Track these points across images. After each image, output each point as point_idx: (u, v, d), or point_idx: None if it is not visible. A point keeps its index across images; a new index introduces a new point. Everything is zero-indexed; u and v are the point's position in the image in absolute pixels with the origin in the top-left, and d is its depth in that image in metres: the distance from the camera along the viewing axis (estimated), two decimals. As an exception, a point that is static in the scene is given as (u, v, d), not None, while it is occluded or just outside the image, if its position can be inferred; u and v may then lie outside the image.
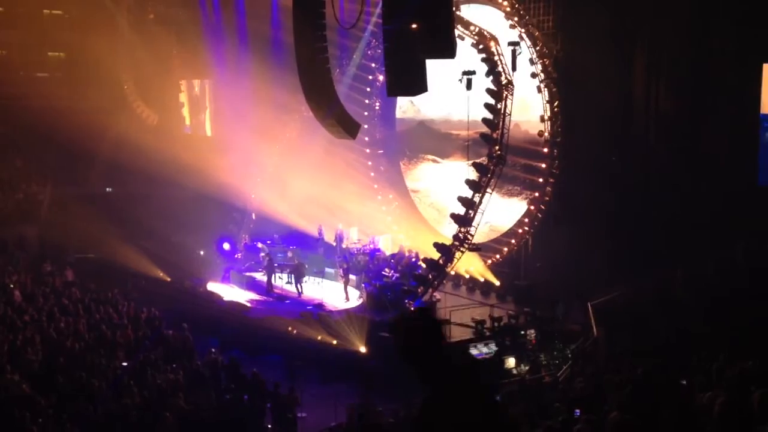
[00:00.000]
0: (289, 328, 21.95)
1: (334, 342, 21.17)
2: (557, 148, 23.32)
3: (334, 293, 24.74)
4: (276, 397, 17.17)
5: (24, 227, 29.03)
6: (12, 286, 23.15)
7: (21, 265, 26.21)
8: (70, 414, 14.95)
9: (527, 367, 19.14)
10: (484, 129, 22.61)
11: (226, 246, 28.81)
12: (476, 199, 22.07)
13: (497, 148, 22.03)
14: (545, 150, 23.49)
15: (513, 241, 24.69)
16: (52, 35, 32.51)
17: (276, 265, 26.05)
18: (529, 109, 24.33)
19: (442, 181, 27.52)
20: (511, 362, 19.61)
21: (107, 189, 31.60)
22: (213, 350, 19.64)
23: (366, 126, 26.37)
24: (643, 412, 7.43)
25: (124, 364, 17.95)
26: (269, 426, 16.75)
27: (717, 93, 19.39)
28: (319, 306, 23.73)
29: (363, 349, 20.66)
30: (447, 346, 3.22)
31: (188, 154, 27.78)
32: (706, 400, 6.36)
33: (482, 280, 25.05)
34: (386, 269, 24.70)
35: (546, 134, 23.47)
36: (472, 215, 22.10)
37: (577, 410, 9.37)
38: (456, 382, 3.18)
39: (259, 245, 27.62)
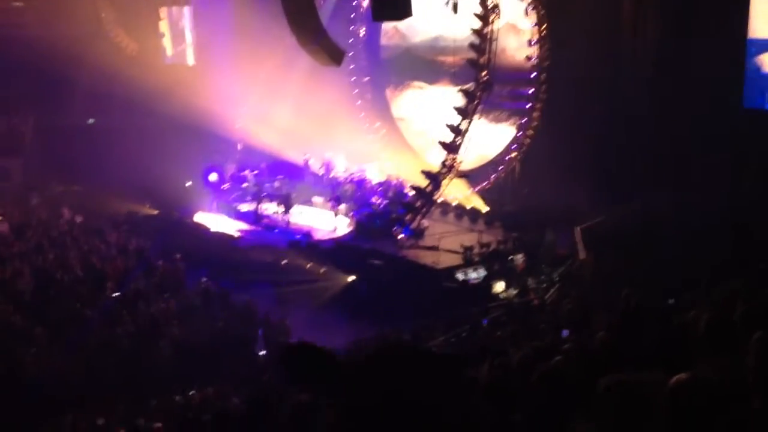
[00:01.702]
0: (279, 258, 22.07)
1: (322, 270, 21.34)
2: (545, 72, 23.11)
3: (323, 222, 24.80)
4: (267, 324, 17.41)
5: (7, 160, 28.75)
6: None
7: (6, 197, 26.07)
8: (63, 344, 15.14)
9: (515, 291, 19.41)
10: (471, 54, 22.35)
11: (213, 176, 28.67)
12: (463, 125, 21.97)
13: (484, 73, 21.81)
14: (533, 75, 23.29)
15: (500, 167, 24.69)
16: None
17: (264, 194, 26.02)
18: (517, 33, 24.00)
19: (428, 108, 27.31)
20: (499, 287, 19.86)
21: (90, 120, 31.15)
22: (204, 279, 19.78)
23: (351, 53, 25.96)
24: (629, 331, 7.57)
25: (115, 294, 18.06)
26: (261, 353, 17.02)
27: (705, 16, 19.15)
28: (308, 235, 23.80)
29: (352, 278, 20.84)
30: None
31: (171, 83, 27.35)
32: (691, 318, 6.45)
33: (470, 206, 25.13)
34: (374, 197, 24.75)
35: (533, 59, 23.22)
36: (459, 142, 22.04)
37: (565, 331, 9.52)
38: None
39: (246, 173, 27.55)
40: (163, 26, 33.02)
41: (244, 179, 27.50)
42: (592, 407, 3.17)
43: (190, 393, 12.89)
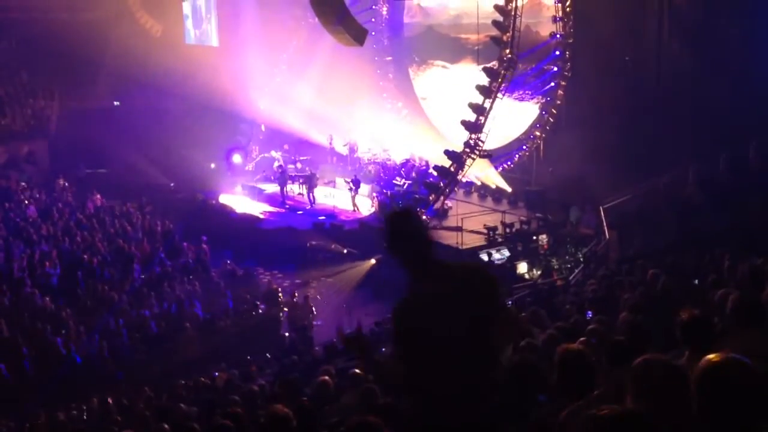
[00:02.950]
0: (304, 240, 22.14)
1: (345, 251, 21.37)
2: (569, 49, 22.83)
3: (346, 203, 24.80)
4: (291, 306, 17.48)
5: (34, 143, 29.04)
6: (27, 201, 23.35)
7: (34, 181, 26.37)
8: (91, 326, 15.32)
9: (539, 272, 19.31)
10: (495, 32, 22.10)
11: (237, 158, 28.78)
12: (486, 104, 21.76)
13: (508, 51, 21.57)
14: (557, 52, 23.01)
15: (524, 146, 24.48)
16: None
17: (288, 176, 26.07)
18: (541, 9, 23.70)
19: (451, 87, 27.10)
20: (523, 267, 19.76)
21: (115, 103, 31.36)
22: (228, 261, 19.89)
23: (373, 32, 25.78)
24: (654, 312, 7.50)
25: (142, 276, 18.24)
26: (285, 334, 17.12)
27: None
28: (331, 216, 23.83)
29: (374, 259, 20.84)
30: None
31: (195, 65, 27.42)
32: (718, 298, 6.38)
33: (493, 186, 25.00)
34: (397, 178, 24.69)
35: (558, 35, 22.94)
36: (482, 121, 21.84)
37: (589, 312, 9.45)
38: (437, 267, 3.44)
39: (273, 153, 27.63)
40: (186, 7, 33.07)
41: (268, 160, 27.57)
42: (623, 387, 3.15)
43: (215, 374, 12.98)
